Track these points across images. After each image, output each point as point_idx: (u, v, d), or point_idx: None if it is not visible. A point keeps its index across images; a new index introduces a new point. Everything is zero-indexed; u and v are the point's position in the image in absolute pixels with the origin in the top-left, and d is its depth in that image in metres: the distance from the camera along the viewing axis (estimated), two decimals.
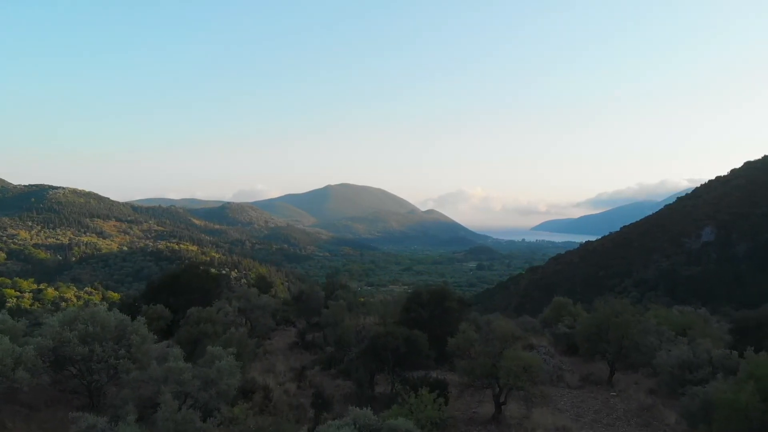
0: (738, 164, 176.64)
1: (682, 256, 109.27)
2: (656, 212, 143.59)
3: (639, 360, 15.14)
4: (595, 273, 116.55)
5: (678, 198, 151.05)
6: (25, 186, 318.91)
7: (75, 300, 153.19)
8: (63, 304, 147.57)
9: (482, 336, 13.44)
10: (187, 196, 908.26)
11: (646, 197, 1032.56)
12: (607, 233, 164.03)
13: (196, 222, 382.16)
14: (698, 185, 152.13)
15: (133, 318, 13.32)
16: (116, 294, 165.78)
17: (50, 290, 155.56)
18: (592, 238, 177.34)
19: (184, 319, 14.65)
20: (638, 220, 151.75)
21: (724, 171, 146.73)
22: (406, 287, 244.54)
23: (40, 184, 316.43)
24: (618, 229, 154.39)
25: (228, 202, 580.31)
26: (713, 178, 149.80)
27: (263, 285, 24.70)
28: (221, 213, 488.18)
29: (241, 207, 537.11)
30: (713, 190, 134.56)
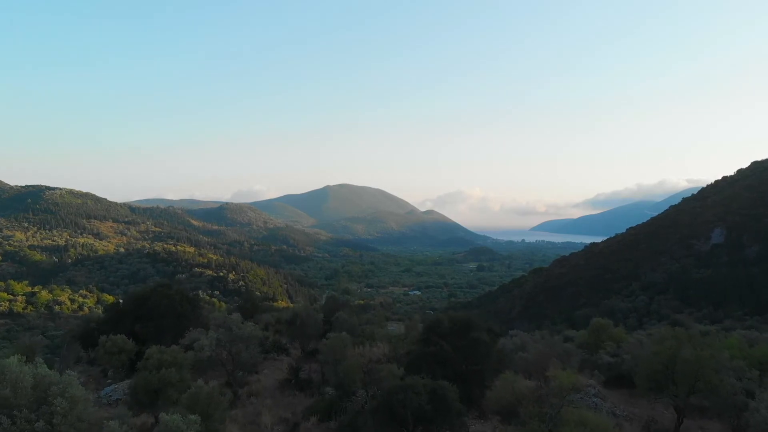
0: (740, 164, 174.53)
1: (692, 259, 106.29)
2: (662, 213, 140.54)
3: (716, 406, 12.15)
4: (601, 276, 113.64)
5: (684, 199, 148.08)
6: (21, 186, 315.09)
7: (69, 303, 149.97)
8: (56, 307, 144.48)
9: (514, 364, 10.36)
10: (186, 196, 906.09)
11: (644, 197, 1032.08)
12: (606, 233, 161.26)
13: (195, 223, 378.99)
14: (698, 185, 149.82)
15: (92, 347, 10.08)
16: (111, 297, 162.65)
17: (44, 293, 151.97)
18: (592, 239, 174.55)
19: (142, 361, 11.59)
20: (640, 220, 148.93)
21: (723, 171, 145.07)
22: (406, 289, 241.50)
23: (37, 185, 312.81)
24: (618, 230, 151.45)
25: (226, 203, 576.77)
26: (719, 178, 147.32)
27: (251, 307, 21.08)
28: (220, 213, 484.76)
29: (239, 207, 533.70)
30: (721, 191, 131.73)
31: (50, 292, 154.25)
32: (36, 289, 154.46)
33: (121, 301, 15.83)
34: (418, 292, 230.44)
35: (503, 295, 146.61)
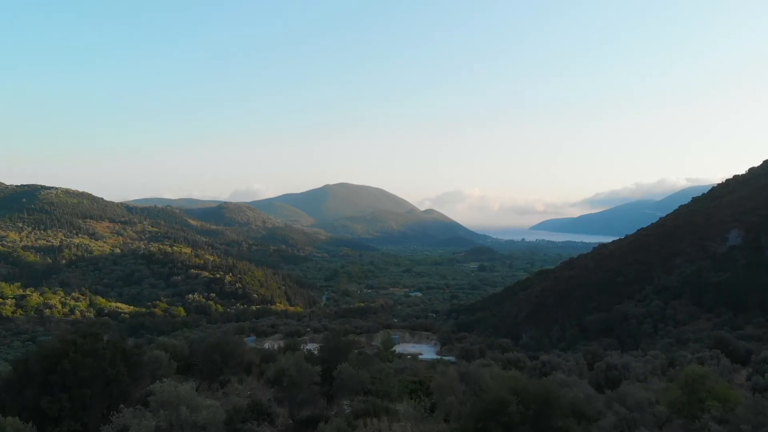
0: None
1: (707, 261, 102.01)
2: (673, 213, 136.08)
3: None
4: (612, 279, 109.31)
5: (694, 198, 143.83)
6: (17, 186, 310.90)
7: (60, 306, 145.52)
8: (47, 311, 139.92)
9: None
10: (184, 195, 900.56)
11: (644, 196, 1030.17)
12: (606, 232, 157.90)
13: (192, 222, 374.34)
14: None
15: None
16: (104, 300, 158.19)
17: (34, 296, 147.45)
18: (592, 238, 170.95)
19: None
20: (639, 219, 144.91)
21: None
22: (407, 290, 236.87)
23: (32, 184, 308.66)
24: (618, 229, 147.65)
25: (225, 202, 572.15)
26: (730, 177, 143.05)
27: (220, 360, 14.40)
28: (218, 213, 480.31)
29: (238, 207, 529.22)
30: (733, 191, 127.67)
31: (41, 294, 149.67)
32: (27, 291, 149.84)
33: (28, 358, 10.77)
34: (419, 294, 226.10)
35: (508, 298, 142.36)
